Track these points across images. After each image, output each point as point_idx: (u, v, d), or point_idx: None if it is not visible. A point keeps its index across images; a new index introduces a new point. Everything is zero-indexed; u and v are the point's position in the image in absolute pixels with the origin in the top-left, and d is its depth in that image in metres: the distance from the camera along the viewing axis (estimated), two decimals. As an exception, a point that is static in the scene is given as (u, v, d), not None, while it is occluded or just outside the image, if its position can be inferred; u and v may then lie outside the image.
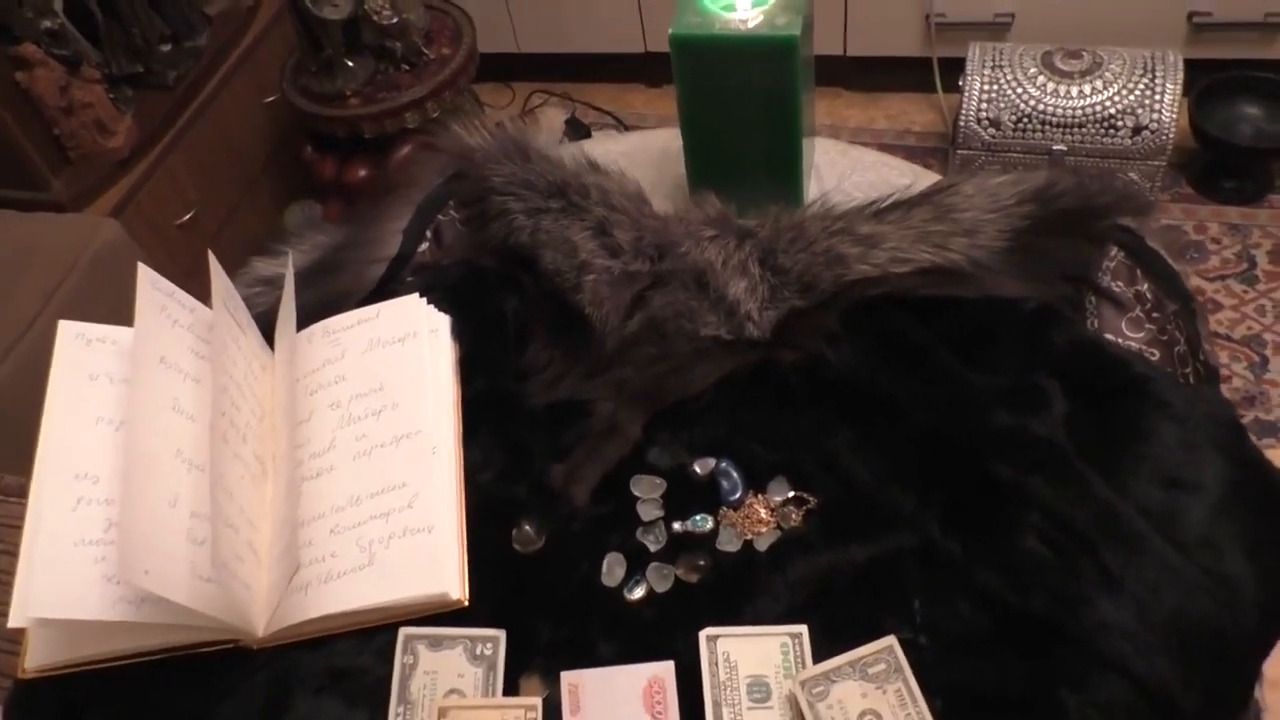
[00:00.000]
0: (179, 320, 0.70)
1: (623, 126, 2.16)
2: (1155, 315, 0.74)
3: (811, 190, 0.89)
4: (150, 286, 0.68)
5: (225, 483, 0.63)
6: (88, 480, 0.65)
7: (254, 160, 1.92)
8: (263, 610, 0.65)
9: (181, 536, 0.63)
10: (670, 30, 0.75)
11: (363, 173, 1.79)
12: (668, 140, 0.92)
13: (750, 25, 0.74)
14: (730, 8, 0.75)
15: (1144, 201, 0.77)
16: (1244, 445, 0.65)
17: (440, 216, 0.83)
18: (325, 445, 0.71)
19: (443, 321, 0.76)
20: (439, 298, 0.76)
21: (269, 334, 0.76)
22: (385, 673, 0.63)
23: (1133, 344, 0.73)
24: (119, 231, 1.46)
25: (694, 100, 0.80)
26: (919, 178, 0.90)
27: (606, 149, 0.99)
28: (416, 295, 0.76)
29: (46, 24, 1.52)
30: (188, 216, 1.71)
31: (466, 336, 0.76)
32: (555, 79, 2.25)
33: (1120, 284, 0.75)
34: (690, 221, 0.78)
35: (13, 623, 0.60)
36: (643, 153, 0.97)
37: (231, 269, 0.84)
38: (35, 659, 0.65)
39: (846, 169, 0.92)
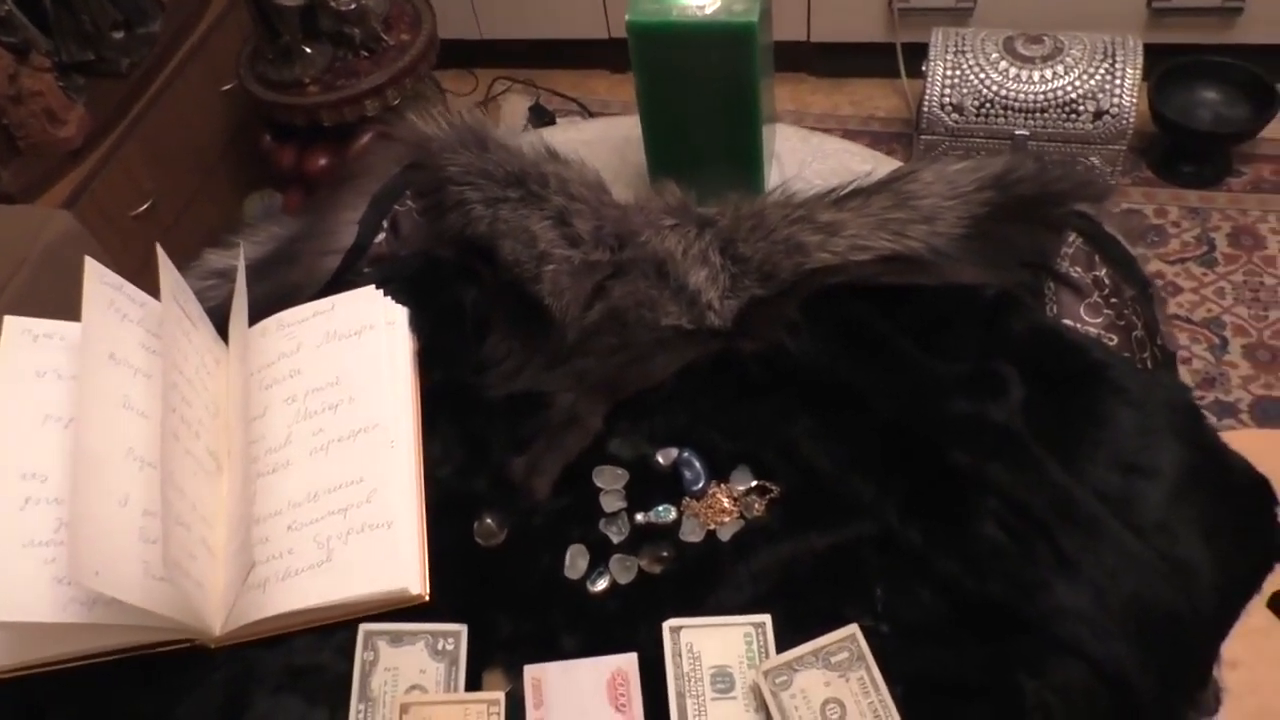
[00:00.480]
0: (128, 315, 0.69)
1: (587, 113, 2.15)
2: (1113, 300, 0.74)
3: (772, 178, 0.89)
4: (98, 280, 0.67)
5: (176, 480, 0.62)
6: (35, 479, 0.64)
7: (211, 149, 1.89)
8: (219, 609, 0.64)
9: (133, 536, 0.61)
10: (627, 17, 0.75)
11: (323, 161, 1.76)
12: (629, 128, 0.91)
13: (708, 11, 0.73)
14: (689, -6, 0.75)
15: (1102, 187, 0.78)
16: (1201, 430, 0.65)
17: (397, 207, 0.82)
18: (281, 440, 0.70)
19: (400, 313, 0.75)
20: (396, 289, 0.75)
21: (223, 327, 0.75)
22: (345, 670, 0.62)
23: (1091, 329, 0.74)
24: (72, 223, 1.43)
25: (653, 88, 0.80)
26: (880, 164, 0.90)
27: (568, 137, 0.98)
28: (372, 287, 0.75)
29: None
30: (144, 207, 1.67)
31: (424, 328, 0.75)
32: (518, 65, 2.24)
33: (1079, 270, 0.75)
34: (650, 210, 0.77)
35: (-39, 626, 0.59)
36: (604, 141, 0.96)
37: (190, 261, 0.83)
38: (-9, 661, 0.64)
39: (807, 156, 0.92)
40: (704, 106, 0.79)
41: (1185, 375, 1.62)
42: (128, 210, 1.66)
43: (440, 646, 0.63)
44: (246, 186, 1.97)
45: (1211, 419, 1.56)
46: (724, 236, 0.74)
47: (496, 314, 0.76)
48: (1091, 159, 1.76)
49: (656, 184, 0.80)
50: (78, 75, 1.64)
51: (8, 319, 0.69)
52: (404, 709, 0.60)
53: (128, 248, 1.63)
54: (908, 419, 0.66)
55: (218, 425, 0.71)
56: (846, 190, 0.76)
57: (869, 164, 0.90)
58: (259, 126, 1.85)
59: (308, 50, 1.70)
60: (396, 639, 0.63)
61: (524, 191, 0.77)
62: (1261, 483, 0.65)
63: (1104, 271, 0.75)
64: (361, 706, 0.61)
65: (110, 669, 0.63)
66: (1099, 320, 0.74)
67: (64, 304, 0.71)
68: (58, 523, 0.63)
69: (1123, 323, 0.74)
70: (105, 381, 0.65)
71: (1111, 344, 0.73)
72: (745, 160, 0.83)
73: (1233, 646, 0.65)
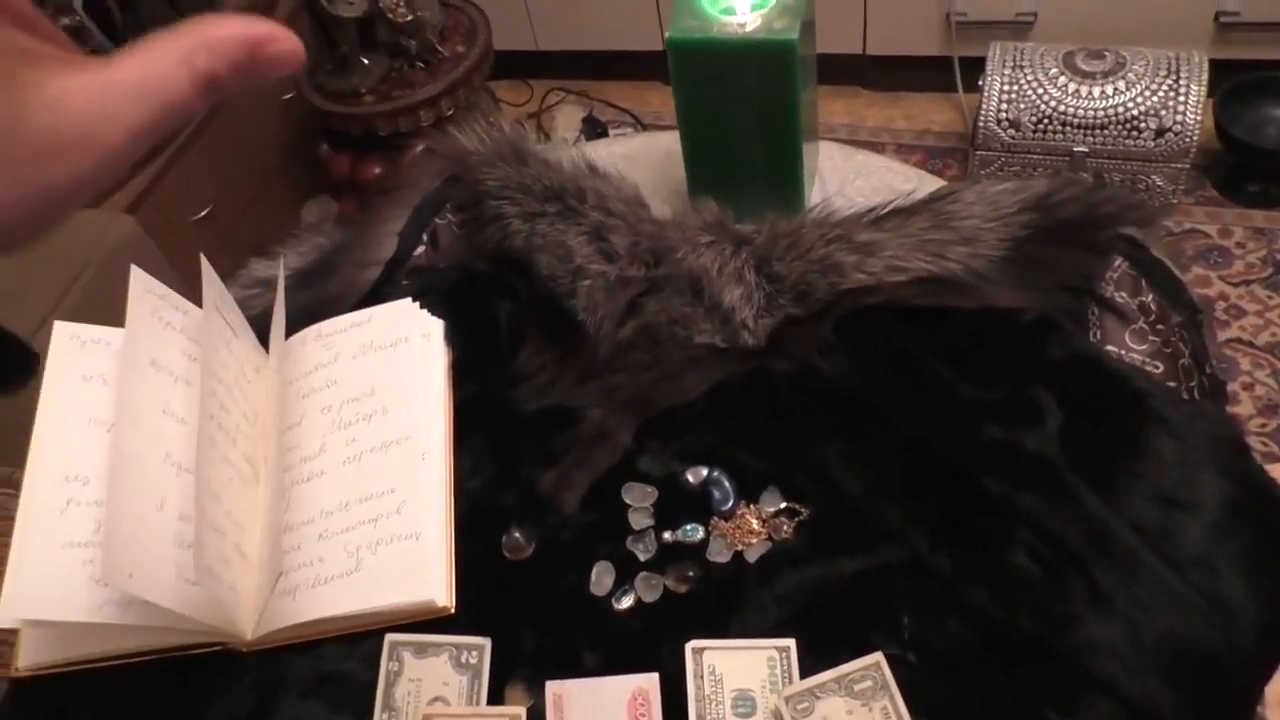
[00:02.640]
0: (171, 323, 0.70)
1: (640, 124, 2.16)
2: (1160, 327, 0.73)
3: (814, 195, 0.88)
4: (142, 289, 0.69)
5: (211, 486, 0.63)
6: (78, 482, 0.66)
7: (270, 157, 1.93)
8: (251, 613, 0.65)
9: (169, 540, 0.63)
10: (667, 34, 0.75)
11: (377, 170, 1.80)
12: (671, 141, 0.91)
13: (748, 29, 0.73)
14: (729, 11, 0.74)
15: (1150, 210, 0.76)
16: (1245, 464, 0.63)
17: (437, 220, 0.83)
18: (316, 449, 0.71)
19: (436, 326, 0.75)
20: (432, 301, 0.76)
21: (265, 336, 0.76)
22: (371, 678, 0.63)
23: (1136, 357, 0.72)
24: (134, 228, 1.47)
25: (692, 104, 0.80)
26: (923, 183, 0.89)
27: (609, 150, 0.99)
28: (409, 299, 0.76)
29: (66, 21, 1.54)
30: (203, 213, 1.72)
31: (459, 341, 0.76)
32: (573, 76, 2.25)
33: (1124, 295, 0.74)
34: (687, 227, 0.77)
35: (0, 623, 0.61)
36: (645, 154, 0.96)
37: (242, 269, 0.84)
38: (27, 658, 0.65)
39: (850, 173, 0.91)
40: (744, 123, 0.79)
41: (1247, 401, 1.57)
42: (188, 216, 1.70)
43: (464, 659, 0.63)
44: (304, 194, 2.01)
45: (1273, 448, 1.52)
46: (759, 255, 0.74)
47: (530, 328, 0.76)
48: (1153, 177, 1.72)
49: (695, 200, 0.80)
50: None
51: (57, 324, 0.71)
52: (426, 719, 0.60)
53: (187, 253, 1.67)
54: (940, 444, 0.65)
55: (256, 432, 0.72)
56: (886, 210, 0.75)
57: (912, 182, 0.88)
58: (316, 135, 1.89)
59: (365, 61, 1.73)
60: (421, 650, 0.64)
61: (561, 206, 0.78)
62: (1310, 519, 0.63)
63: (1150, 297, 0.73)
64: (385, 716, 0.62)
65: (142, 670, 0.64)
66: (1144, 347, 0.72)
67: (125, 308, 0.73)
68: (97, 524, 0.64)
69: (1169, 350, 0.72)
70: (146, 387, 0.66)
71: (1157, 371, 0.71)
72: (785, 177, 0.83)
73: (1278, 687, 0.63)
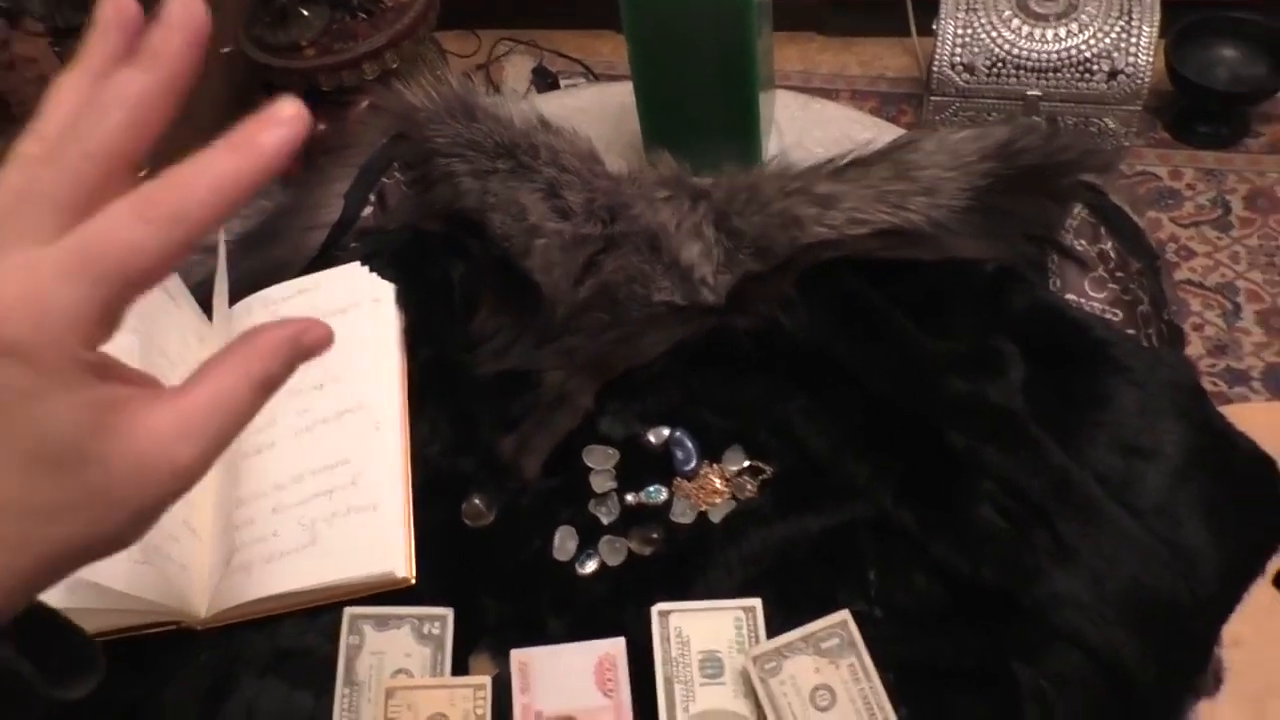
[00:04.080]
0: (108, 293, 0.67)
1: (591, 75, 2.12)
2: (1119, 274, 0.72)
3: (771, 146, 0.87)
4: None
5: (157, 463, 0.61)
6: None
7: (211, 114, 1.86)
8: (204, 591, 0.63)
9: (115, 518, 0.61)
10: (619, -18, 0.72)
11: (321, 127, 1.74)
12: (625, 94, 0.88)
13: (702, -24, 0.71)
14: (682, -43, 0.72)
15: (1109, 156, 0.75)
16: (1205, 411, 0.64)
17: (385, 179, 0.80)
18: (266, 420, 0.69)
19: (386, 289, 0.73)
20: (382, 264, 0.74)
21: (208, 303, 0.74)
22: (331, 652, 0.62)
23: (1095, 304, 0.71)
24: (69, 190, 1.42)
25: (647, 55, 0.77)
26: (882, 132, 0.87)
27: (562, 104, 0.96)
28: (358, 263, 0.73)
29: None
30: (142, 174, 1.66)
31: (412, 304, 0.74)
32: (522, 25, 2.20)
33: (1083, 242, 0.73)
34: (643, 182, 0.75)
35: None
36: (598, 107, 0.94)
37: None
38: (-31, 646, 0.63)
39: (808, 124, 0.89)
40: (699, 75, 0.77)
41: (1197, 342, 1.60)
42: (126, 177, 1.65)
43: (426, 630, 0.62)
44: (246, 152, 1.95)
45: (1222, 387, 1.55)
46: (718, 210, 0.72)
47: (485, 290, 0.74)
48: (1106, 120, 1.72)
49: (651, 154, 0.78)
50: (72, 40, 1.62)
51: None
52: (390, 693, 0.59)
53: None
54: (904, 398, 0.65)
55: (202, 404, 0.69)
56: (845, 160, 0.74)
57: (871, 131, 0.87)
58: (258, 90, 1.83)
59: (304, 12, 1.67)
60: (382, 623, 0.62)
61: (514, 163, 0.75)
62: (1267, 461, 0.63)
63: (1110, 245, 0.73)
64: (347, 690, 0.61)
65: (94, 653, 0.63)
66: (1104, 295, 0.72)
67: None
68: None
69: (1128, 297, 0.72)
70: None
71: (1116, 319, 0.71)
72: (742, 129, 0.81)
73: (1235, 625, 0.63)
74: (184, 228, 0.28)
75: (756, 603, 0.61)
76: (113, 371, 0.31)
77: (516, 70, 2.09)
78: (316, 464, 0.67)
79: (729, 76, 0.77)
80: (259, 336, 0.32)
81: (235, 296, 0.74)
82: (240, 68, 1.85)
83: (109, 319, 0.29)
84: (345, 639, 0.62)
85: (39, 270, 0.27)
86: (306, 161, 1.78)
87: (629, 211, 0.74)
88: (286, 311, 0.72)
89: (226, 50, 1.82)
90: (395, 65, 1.68)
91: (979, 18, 1.71)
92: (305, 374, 0.70)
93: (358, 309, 0.72)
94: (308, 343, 0.33)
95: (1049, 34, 1.68)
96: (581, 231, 0.73)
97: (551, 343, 0.71)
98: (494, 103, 0.79)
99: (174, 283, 0.71)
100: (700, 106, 0.79)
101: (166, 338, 0.67)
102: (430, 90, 0.79)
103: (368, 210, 0.80)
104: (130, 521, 0.30)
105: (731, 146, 0.80)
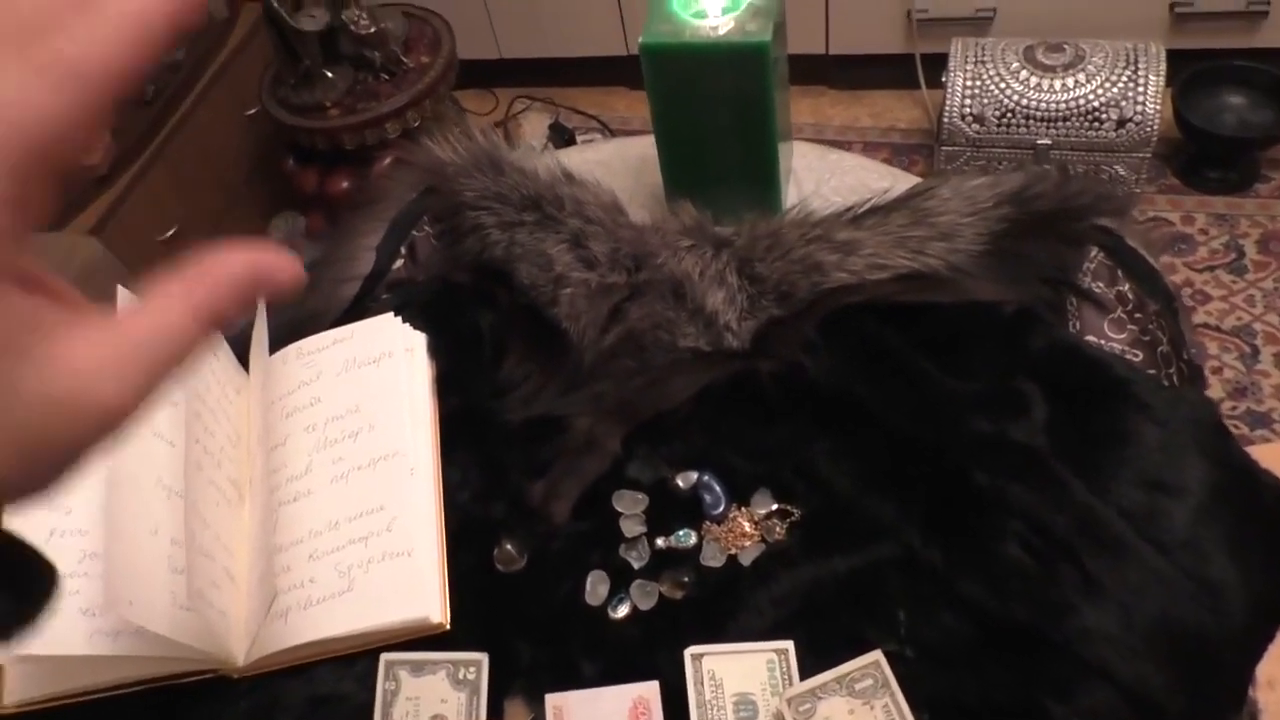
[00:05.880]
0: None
1: (606, 130, 2.16)
2: (1137, 316, 0.73)
3: (790, 195, 0.89)
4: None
5: (199, 510, 0.63)
6: (60, 511, 0.64)
7: (236, 174, 1.91)
8: (242, 638, 0.64)
9: (163, 565, 0.62)
10: (640, 39, 0.75)
11: (345, 184, 1.78)
12: (645, 147, 0.91)
13: (721, 32, 0.73)
14: (701, 15, 0.75)
15: (1123, 200, 0.77)
16: (1227, 447, 0.64)
17: (415, 232, 0.82)
18: (302, 469, 0.70)
19: (418, 339, 0.75)
20: (413, 315, 0.75)
21: (244, 355, 0.76)
22: (367, 699, 0.62)
23: (1115, 345, 0.73)
24: (100, 250, 1.45)
25: (667, 108, 0.80)
26: (897, 181, 0.89)
27: (584, 158, 0.98)
28: (391, 314, 0.75)
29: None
30: (170, 233, 1.70)
31: (442, 353, 0.75)
32: (538, 84, 2.25)
33: (1101, 285, 0.74)
34: (666, 231, 0.77)
35: (-13, 659, 0.60)
36: (619, 160, 0.96)
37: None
38: (13, 695, 0.64)
39: (824, 173, 0.91)
40: (719, 126, 0.79)
41: (1216, 385, 1.60)
42: (155, 235, 1.68)
43: (461, 675, 0.63)
44: (271, 210, 1.99)
45: (1244, 430, 1.54)
46: (740, 257, 0.74)
47: (513, 338, 0.76)
48: (1116, 167, 1.74)
49: (673, 204, 0.80)
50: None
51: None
52: (426, 738, 0.60)
53: (155, 273, 1.65)
54: (927, 438, 0.65)
55: (239, 454, 0.71)
56: (864, 208, 0.75)
57: (887, 180, 0.89)
58: (282, 150, 1.88)
59: (329, 74, 1.72)
60: (418, 668, 0.63)
61: (540, 215, 0.78)
62: (1293, 499, 0.64)
63: (1127, 286, 0.74)
64: (383, 735, 0.61)
65: (132, 701, 0.63)
66: (1123, 336, 0.73)
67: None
68: (82, 554, 0.63)
69: (1147, 338, 0.73)
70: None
71: (1136, 360, 0.72)
72: (762, 179, 0.83)
73: (1269, 666, 0.63)
74: (85, 84, 0.23)
75: (789, 645, 0.61)
76: (37, 284, 0.25)
77: (533, 127, 2.13)
78: (352, 511, 0.68)
79: (749, 127, 0.79)
80: (216, 265, 0.27)
81: (271, 347, 0.75)
82: (264, 128, 1.89)
83: (27, 203, 0.23)
84: (381, 685, 0.63)
85: None
86: (330, 216, 1.82)
87: (653, 260, 0.75)
88: (322, 361, 0.74)
89: (251, 112, 1.87)
90: (417, 124, 1.72)
91: (987, 70, 1.74)
92: (341, 423, 0.72)
93: (391, 358, 0.73)
94: (274, 283, 0.28)
95: (1057, 84, 1.70)
96: (607, 280, 0.75)
97: (579, 389, 0.73)
98: (520, 156, 0.82)
99: (214, 336, 0.72)
100: (721, 157, 0.81)
101: (207, 389, 0.68)
102: (457, 145, 0.81)
103: (399, 263, 0.82)
104: (50, 465, 0.25)
105: (752, 195, 0.82)
